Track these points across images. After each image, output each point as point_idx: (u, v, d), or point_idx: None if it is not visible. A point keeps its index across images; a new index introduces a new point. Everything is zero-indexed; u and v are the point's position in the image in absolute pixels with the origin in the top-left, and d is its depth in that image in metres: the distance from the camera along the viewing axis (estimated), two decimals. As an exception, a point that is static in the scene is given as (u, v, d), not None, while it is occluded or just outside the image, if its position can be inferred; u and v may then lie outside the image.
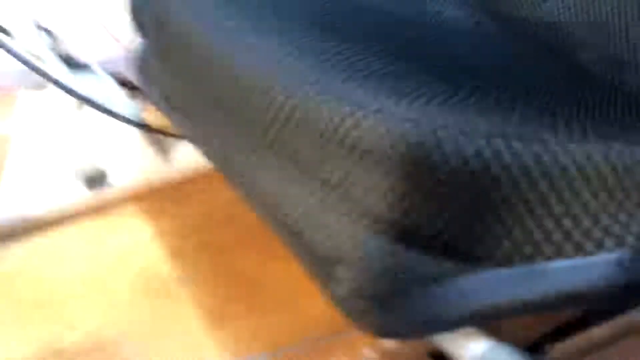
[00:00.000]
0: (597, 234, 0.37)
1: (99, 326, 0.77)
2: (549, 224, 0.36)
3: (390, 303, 0.35)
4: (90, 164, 0.88)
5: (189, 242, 0.89)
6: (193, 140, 0.57)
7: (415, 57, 0.47)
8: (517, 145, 0.34)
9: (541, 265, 0.37)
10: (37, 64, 0.74)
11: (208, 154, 0.54)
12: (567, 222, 0.36)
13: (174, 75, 0.57)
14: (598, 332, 0.60)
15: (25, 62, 0.71)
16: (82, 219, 0.88)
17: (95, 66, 0.84)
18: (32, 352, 0.75)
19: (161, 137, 0.89)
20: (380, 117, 0.34)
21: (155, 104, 0.64)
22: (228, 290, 0.81)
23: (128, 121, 0.83)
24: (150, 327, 0.76)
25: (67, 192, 0.87)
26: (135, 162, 0.91)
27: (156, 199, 0.94)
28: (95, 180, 0.89)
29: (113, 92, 0.83)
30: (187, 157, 0.94)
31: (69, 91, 0.73)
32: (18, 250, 0.83)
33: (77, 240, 0.87)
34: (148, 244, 0.87)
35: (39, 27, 0.82)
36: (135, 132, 0.89)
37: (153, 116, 0.87)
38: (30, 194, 0.83)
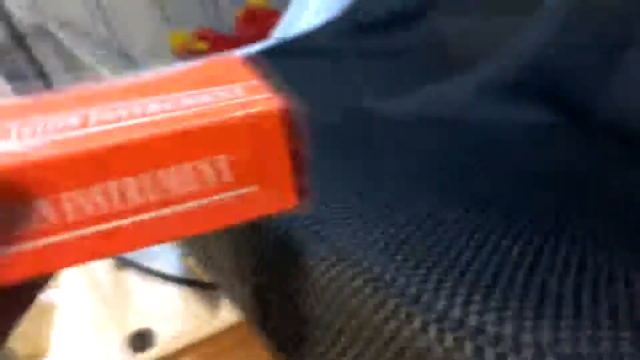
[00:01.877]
0: None
1: None
2: None
3: None
4: (136, 326, 0.86)
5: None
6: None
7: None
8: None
9: None
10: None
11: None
12: None
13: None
14: None
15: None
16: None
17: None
18: None
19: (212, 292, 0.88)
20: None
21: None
22: None
23: (177, 280, 0.81)
24: None
25: (114, 356, 0.85)
26: (182, 319, 0.89)
27: (200, 353, 0.91)
28: (142, 342, 0.87)
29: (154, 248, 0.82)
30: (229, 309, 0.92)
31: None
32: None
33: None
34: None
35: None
36: (179, 287, 0.87)
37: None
38: None
